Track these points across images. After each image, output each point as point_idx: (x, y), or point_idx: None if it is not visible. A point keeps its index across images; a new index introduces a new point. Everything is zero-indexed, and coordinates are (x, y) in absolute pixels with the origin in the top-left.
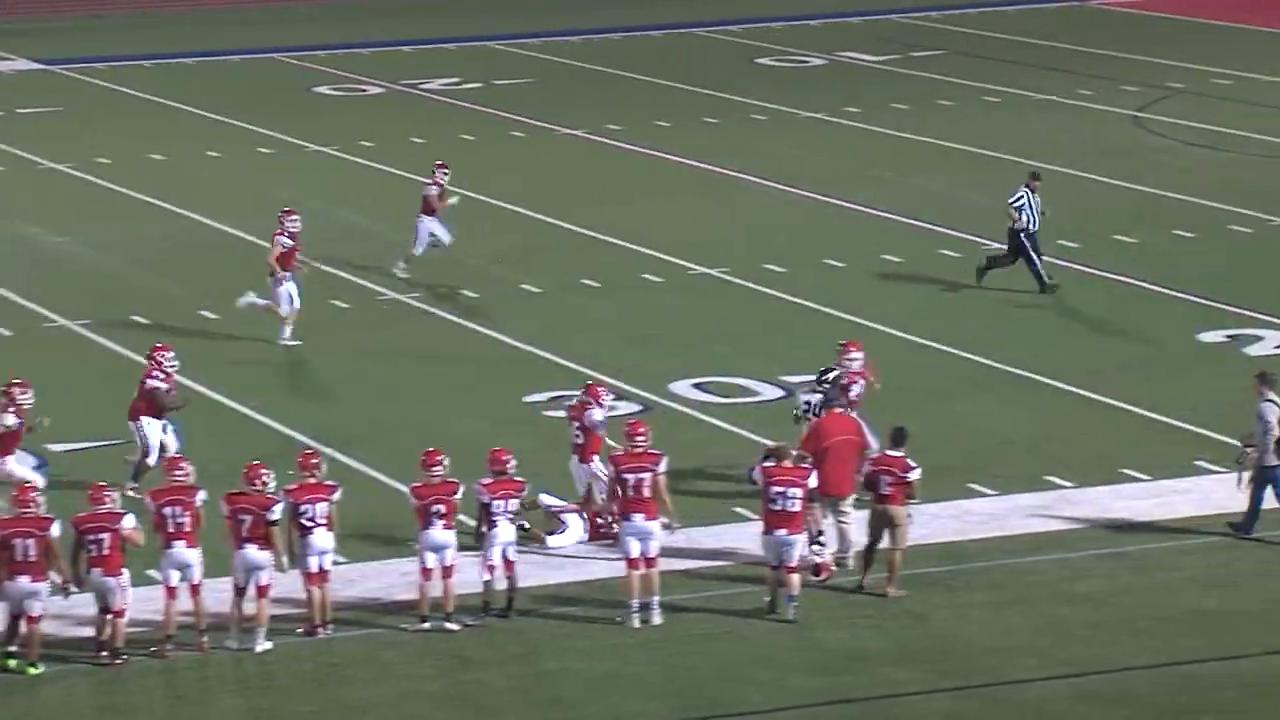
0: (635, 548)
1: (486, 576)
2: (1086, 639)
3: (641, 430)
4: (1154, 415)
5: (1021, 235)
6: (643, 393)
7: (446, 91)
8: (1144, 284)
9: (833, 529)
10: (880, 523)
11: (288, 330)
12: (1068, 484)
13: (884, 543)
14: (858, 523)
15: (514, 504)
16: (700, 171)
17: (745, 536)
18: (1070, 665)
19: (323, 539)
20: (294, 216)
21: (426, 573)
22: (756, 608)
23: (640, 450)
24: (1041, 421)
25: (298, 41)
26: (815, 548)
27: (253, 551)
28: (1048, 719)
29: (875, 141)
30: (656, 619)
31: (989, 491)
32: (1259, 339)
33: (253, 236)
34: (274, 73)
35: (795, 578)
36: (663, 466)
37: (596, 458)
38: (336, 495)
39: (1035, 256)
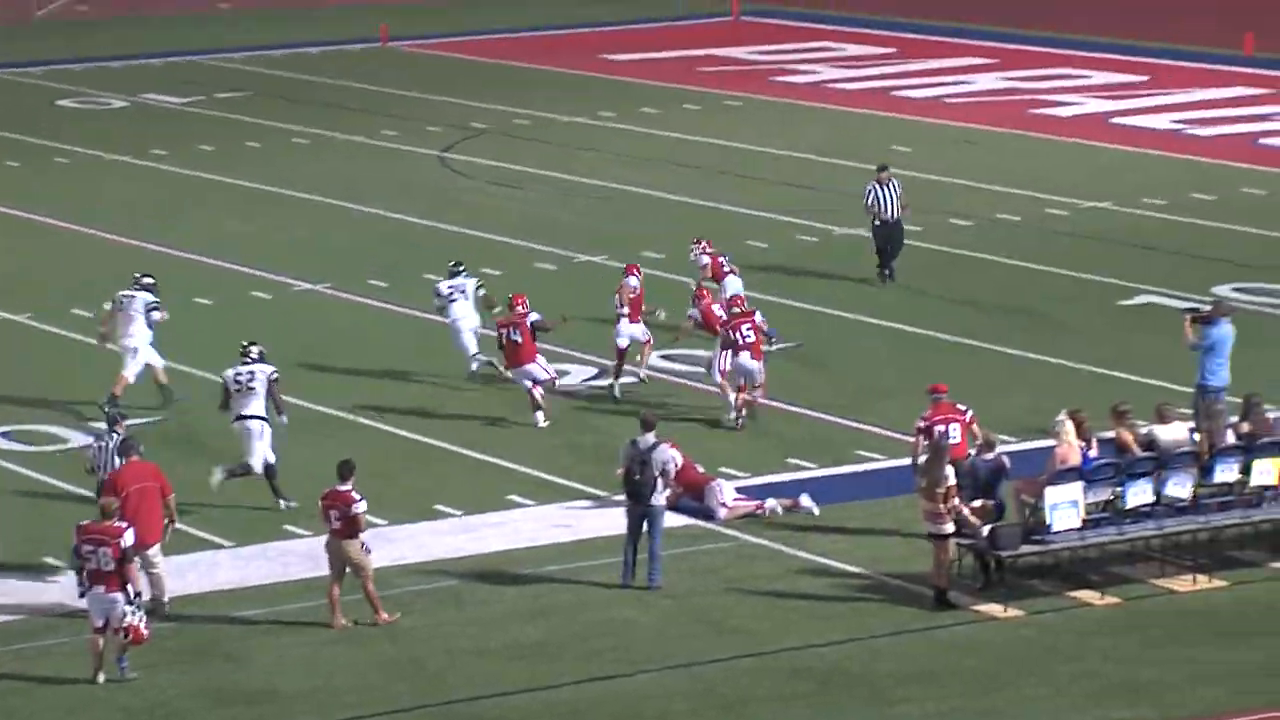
0: None
1: None
2: (410, 674)
3: None
4: (467, 452)
5: (875, 226)
6: None
7: None
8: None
9: (145, 579)
10: (336, 558)
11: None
12: (382, 521)
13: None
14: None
15: None
16: (2, 216)
17: (59, 589)
18: (393, 702)
19: None
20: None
21: None
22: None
23: None
24: (364, 461)
25: None
26: (129, 608)
27: None
28: None
29: (182, 184)
30: None
31: (304, 533)
32: (566, 373)
33: None
34: None
35: (118, 638)
36: None
37: None
38: None
39: (885, 248)
